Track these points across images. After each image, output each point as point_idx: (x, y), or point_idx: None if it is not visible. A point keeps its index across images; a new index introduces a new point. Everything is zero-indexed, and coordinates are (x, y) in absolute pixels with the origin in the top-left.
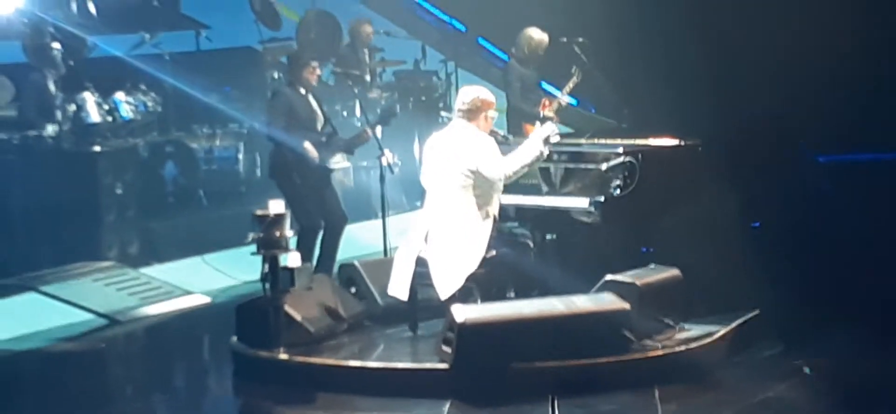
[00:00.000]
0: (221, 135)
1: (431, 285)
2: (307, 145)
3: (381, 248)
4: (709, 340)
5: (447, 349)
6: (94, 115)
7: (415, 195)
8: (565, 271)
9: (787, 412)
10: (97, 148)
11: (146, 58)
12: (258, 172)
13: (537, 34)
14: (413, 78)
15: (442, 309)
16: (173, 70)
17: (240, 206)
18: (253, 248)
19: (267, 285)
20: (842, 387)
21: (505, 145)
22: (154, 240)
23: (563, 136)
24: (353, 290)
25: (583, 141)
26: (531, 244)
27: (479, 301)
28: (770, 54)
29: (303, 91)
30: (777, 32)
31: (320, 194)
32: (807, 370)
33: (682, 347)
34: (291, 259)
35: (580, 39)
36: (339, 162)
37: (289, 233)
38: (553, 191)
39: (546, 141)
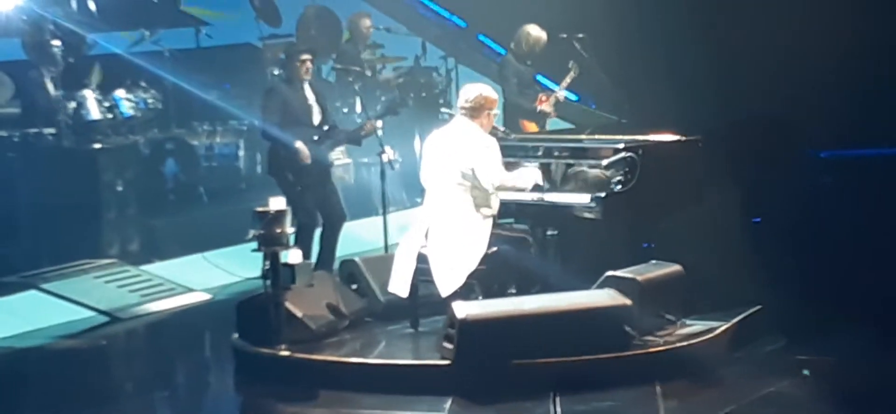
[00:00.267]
0: (222, 132)
1: (432, 282)
2: (298, 145)
3: (382, 244)
4: (710, 335)
5: (448, 346)
6: (94, 112)
7: (415, 192)
8: (566, 267)
9: (789, 408)
10: (98, 145)
11: (146, 55)
12: (259, 169)
13: (535, 31)
14: (413, 74)
15: (443, 305)
16: (173, 67)
17: (240, 202)
18: (254, 244)
19: (268, 282)
20: (843, 383)
21: (505, 141)
22: (155, 237)
23: (563, 131)
24: (354, 286)
25: (583, 137)
26: (532, 240)
27: (480, 297)
28: (771, 49)
29: (298, 86)
30: (778, 27)
31: (317, 191)
32: (806, 373)
33: (684, 343)
34: (292, 256)
35: (580, 35)
36: (339, 158)
37: (290, 229)
38: (554, 186)
39: (536, 186)
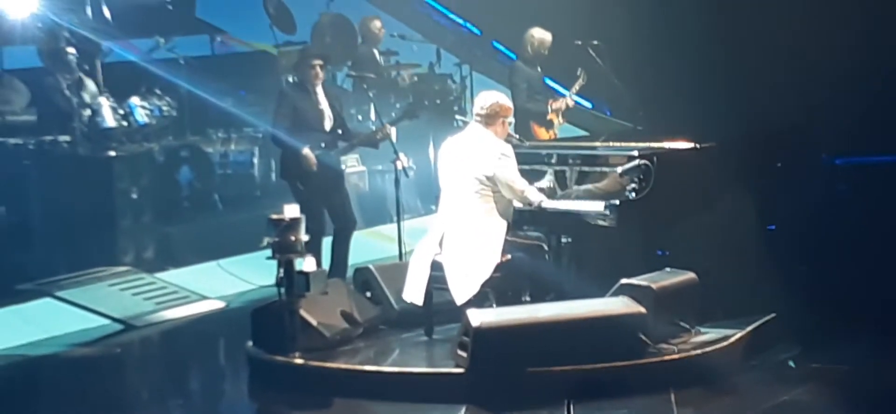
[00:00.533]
0: (236, 139)
1: (447, 289)
2: (305, 152)
3: (397, 252)
4: (725, 343)
5: (463, 353)
6: (109, 119)
7: (430, 199)
8: (581, 275)
9: None
10: (112, 153)
11: (161, 62)
12: (273, 176)
13: (539, 33)
14: (428, 81)
15: (457, 313)
16: (188, 74)
17: (255, 210)
18: (268, 252)
19: (282, 290)
20: (858, 391)
21: (520, 149)
22: (169, 244)
23: (578, 138)
24: (368, 294)
25: (598, 144)
26: (546, 248)
27: (494, 305)
28: (786, 55)
29: (310, 91)
30: (793, 34)
31: (328, 198)
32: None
33: (698, 351)
34: (307, 263)
35: (595, 42)
36: (354, 165)
37: (304, 237)
38: (568, 194)
39: (540, 204)
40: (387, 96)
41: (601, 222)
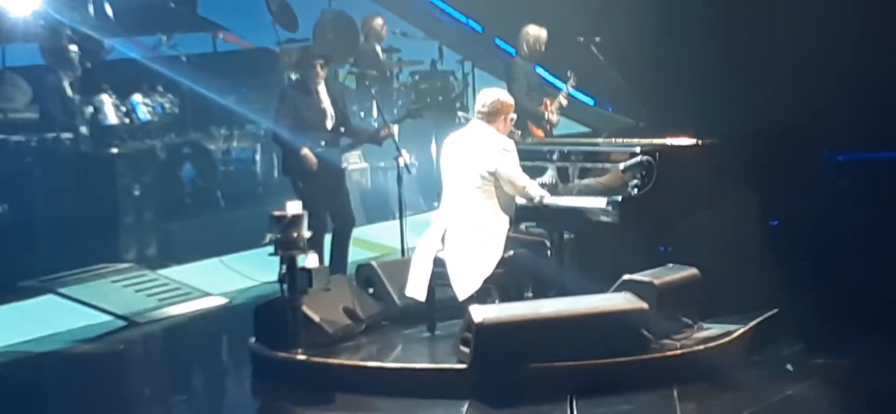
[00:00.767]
0: (239, 136)
1: (449, 286)
2: (305, 152)
3: (399, 248)
4: (727, 339)
5: (465, 349)
6: (111, 117)
7: (432, 196)
8: (583, 271)
9: (807, 412)
10: (115, 150)
11: (163, 59)
12: (275, 173)
13: (534, 30)
14: (430, 78)
15: (460, 309)
16: (190, 72)
17: (257, 207)
18: (271, 249)
19: (285, 286)
20: (861, 388)
21: (521, 145)
22: (172, 241)
23: (580, 135)
24: (370, 290)
25: (600, 140)
26: (548, 244)
27: (496, 301)
28: (789, 51)
29: (312, 89)
30: (796, 29)
31: (328, 196)
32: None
33: (701, 347)
34: (309, 260)
35: (597, 39)
36: (356, 162)
37: (307, 233)
38: (570, 190)
39: (542, 200)
40: (389, 94)
41: (604, 218)
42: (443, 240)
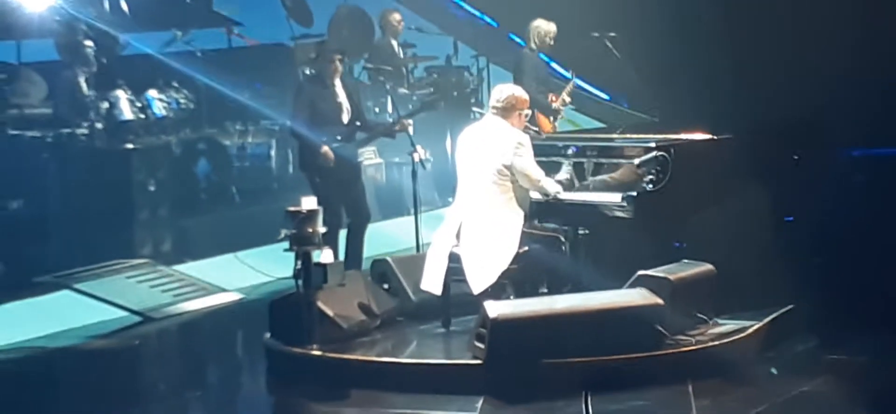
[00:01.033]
0: (254, 132)
1: (464, 281)
2: (325, 150)
3: (414, 244)
4: (742, 335)
5: (480, 345)
6: (126, 112)
7: (447, 191)
8: (598, 267)
9: (822, 408)
10: (130, 145)
11: (178, 55)
12: (290, 169)
13: (545, 24)
14: (445, 74)
15: (475, 305)
16: (205, 67)
17: (272, 202)
18: (286, 244)
19: (300, 282)
20: (875, 383)
21: (536, 140)
22: (187, 237)
23: (595, 130)
24: (385, 286)
25: (615, 135)
26: (563, 239)
27: (511, 297)
28: (804, 46)
29: (328, 84)
30: (811, 25)
31: (344, 191)
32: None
33: (716, 343)
34: (324, 255)
35: (612, 34)
36: (371, 158)
37: (322, 229)
38: (585, 186)
39: (557, 195)
40: (404, 88)
41: (618, 214)
42: (458, 235)
